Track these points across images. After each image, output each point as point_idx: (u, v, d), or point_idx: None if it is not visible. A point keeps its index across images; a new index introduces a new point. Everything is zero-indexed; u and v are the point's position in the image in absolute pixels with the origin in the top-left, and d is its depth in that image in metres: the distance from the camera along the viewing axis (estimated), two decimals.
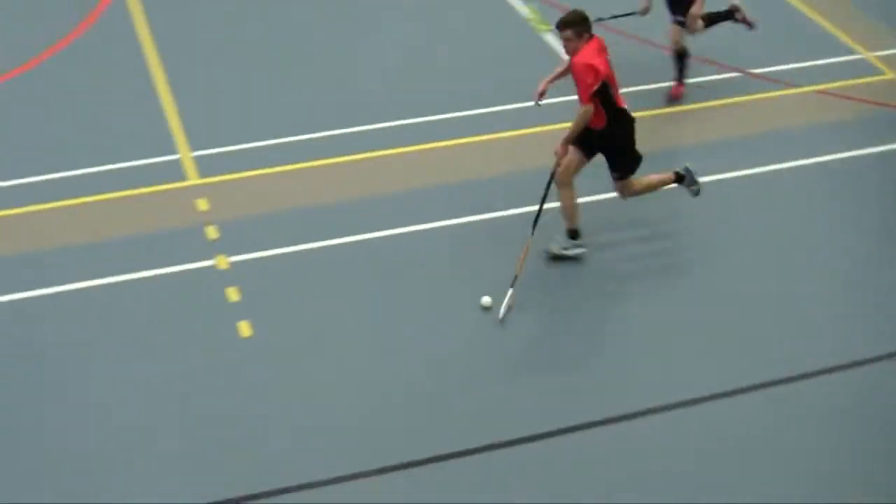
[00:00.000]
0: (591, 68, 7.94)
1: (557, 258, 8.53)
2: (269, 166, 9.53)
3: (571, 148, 8.28)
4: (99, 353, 7.68)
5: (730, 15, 10.75)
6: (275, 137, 9.87)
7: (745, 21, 10.78)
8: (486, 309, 8.00)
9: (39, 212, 9.03)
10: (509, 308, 7.99)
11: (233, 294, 8.09)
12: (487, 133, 10.04)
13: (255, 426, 7.11)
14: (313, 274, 8.39)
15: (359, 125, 10.05)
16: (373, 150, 9.76)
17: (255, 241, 8.59)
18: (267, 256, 8.46)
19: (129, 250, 8.59)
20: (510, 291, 8.03)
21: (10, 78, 10.69)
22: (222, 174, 9.43)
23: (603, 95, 8.07)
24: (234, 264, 8.37)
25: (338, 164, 9.58)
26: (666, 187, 8.74)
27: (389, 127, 10.03)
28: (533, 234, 8.26)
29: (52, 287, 8.21)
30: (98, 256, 8.53)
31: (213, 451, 6.92)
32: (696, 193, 8.79)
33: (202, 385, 7.42)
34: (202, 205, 9.03)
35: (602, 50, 8.16)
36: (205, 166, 9.49)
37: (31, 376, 7.50)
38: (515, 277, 8.09)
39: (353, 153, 9.70)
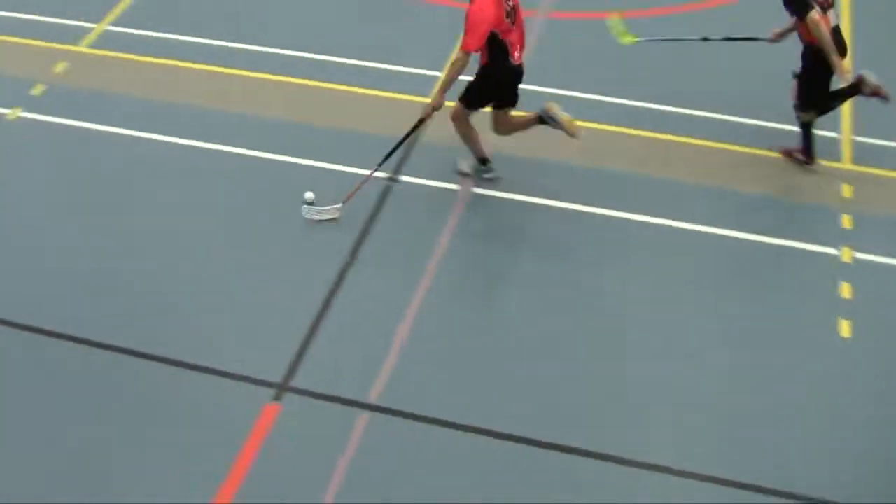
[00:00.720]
0: (482, 19, 7.98)
1: (464, 175, 8.89)
2: None
3: None
4: (671, 293, 7.88)
5: (856, 90, 8.74)
6: None
7: (878, 94, 8.70)
8: (305, 203, 8.39)
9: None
10: (327, 220, 8.39)
11: (846, 290, 7.86)
12: None
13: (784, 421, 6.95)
14: None
15: None
16: None
17: (889, 246, 8.24)
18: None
19: (753, 206, 8.66)
20: (338, 206, 8.38)
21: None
22: (877, 167, 9.10)
23: (492, 44, 8.13)
24: (858, 261, 8.11)
25: None
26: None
27: None
28: (379, 166, 8.52)
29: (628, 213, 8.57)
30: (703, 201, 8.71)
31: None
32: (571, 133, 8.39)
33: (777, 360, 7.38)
34: (846, 191, 8.80)
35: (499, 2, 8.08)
36: (861, 154, 9.22)
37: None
38: (349, 197, 8.37)
39: None
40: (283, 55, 10.33)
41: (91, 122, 9.44)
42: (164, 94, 9.78)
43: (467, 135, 8.68)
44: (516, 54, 8.25)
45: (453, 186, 8.77)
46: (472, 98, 8.49)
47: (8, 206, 8.57)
